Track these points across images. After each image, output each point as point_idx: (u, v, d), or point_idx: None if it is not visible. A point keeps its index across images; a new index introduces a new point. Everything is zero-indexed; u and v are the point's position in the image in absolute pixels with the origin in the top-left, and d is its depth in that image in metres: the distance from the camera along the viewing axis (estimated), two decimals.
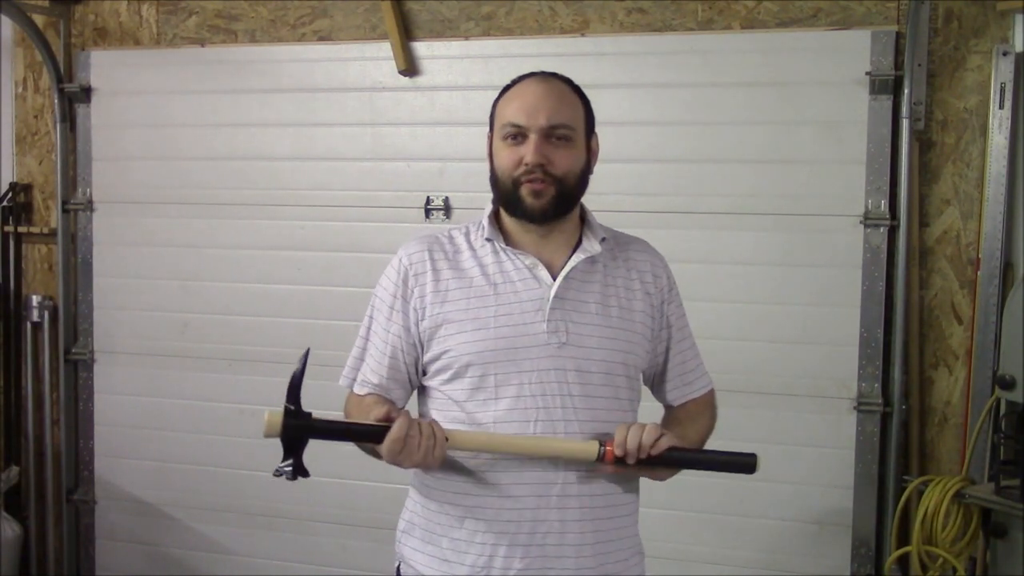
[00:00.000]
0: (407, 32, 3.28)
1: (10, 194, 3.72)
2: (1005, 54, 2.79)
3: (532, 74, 1.76)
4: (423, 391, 1.79)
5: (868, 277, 2.94)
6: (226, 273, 3.51)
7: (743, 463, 1.70)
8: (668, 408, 1.88)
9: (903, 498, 2.85)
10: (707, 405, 1.88)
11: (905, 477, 2.91)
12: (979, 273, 2.85)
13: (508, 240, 1.75)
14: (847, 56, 2.92)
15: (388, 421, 1.59)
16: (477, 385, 1.67)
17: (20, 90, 3.74)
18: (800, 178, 2.99)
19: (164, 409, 3.60)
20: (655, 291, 1.79)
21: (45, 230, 3.70)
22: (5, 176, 3.75)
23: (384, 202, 3.34)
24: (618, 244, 1.81)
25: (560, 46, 3.16)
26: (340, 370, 3.63)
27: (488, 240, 1.74)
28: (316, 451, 3.74)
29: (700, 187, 3.08)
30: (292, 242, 3.43)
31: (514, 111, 1.70)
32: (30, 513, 3.79)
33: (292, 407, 1.66)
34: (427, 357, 1.73)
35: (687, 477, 3.18)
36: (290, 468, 1.67)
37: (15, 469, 3.69)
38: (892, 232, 2.92)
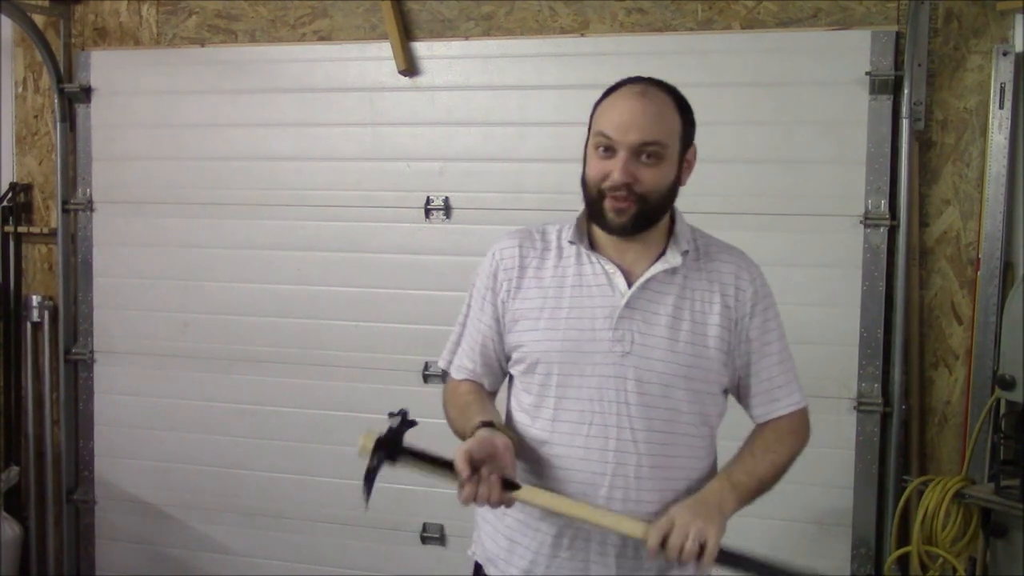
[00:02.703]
0: (407, 32, 3.28)
1: (10, 194, 3.72)
2: (1005, 54, 2.79)
3: (635, 81, 1.77)
4: (509, 378, 1.87)
5: (868, 277, 2.94)
6: (226, 273, 3.51)
7: None
8: (755, 423, 1.84)
9: (903, 498, 2.85)
10: (792, 430, 1.80)
11: (905, 477, 2.91)
12: (979, 273, 2.86)
13: (593, 244, 1.77)
14: (847, 56, 2.92)
15: (468, 457, 1.59)
16: (543, 382, 1.74)
17: (20, 90, 3.74)
18: (800, 178, 2.99)
19: (164, 409, 3.60)
20: (735, 304, 1.76)
21: (45, 230, 3.71)
22: (5, 176, 3.75)
23: (384, 202, 3.34)
24: (707, 253, 1.80)
25: (560, 46, 3.16)
26: (343, 370, 3.65)
27: (572, 243, 1.77)
28: (315, 451, 3.74)
29: (700, 187, 3.04)
30: (292, 242, 3.43)
31: (608, 122, 1.70)
32: (30, 513, 3.79)
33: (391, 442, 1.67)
34: (507, 348, 1.81)
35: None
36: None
37: (15, 469, 3.69)
38: (892, 232, 2.92)
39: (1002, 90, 2.80)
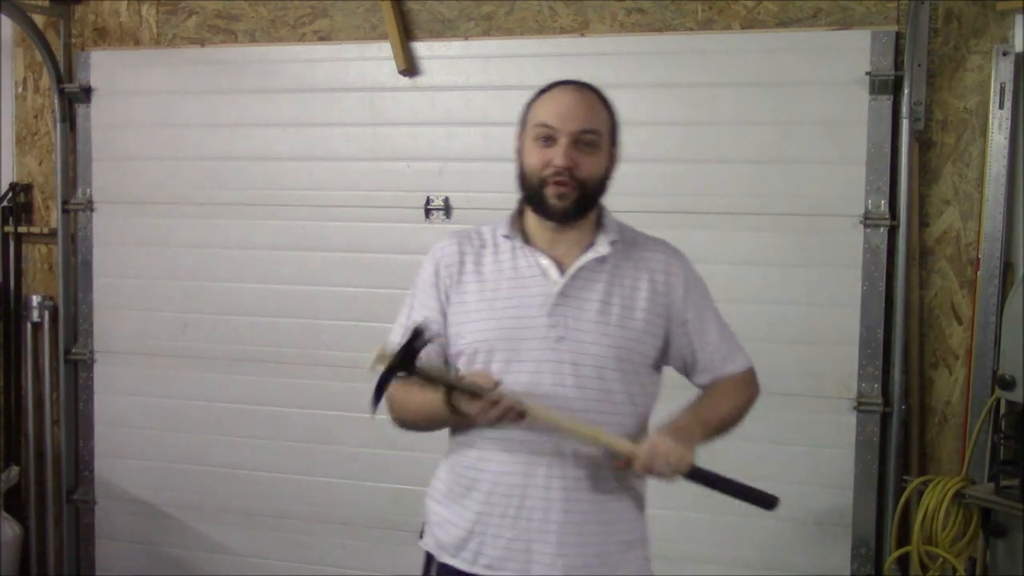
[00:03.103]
0: (407, 32, 3.28)
1: (10, 194, 3.72)
2: (1005, 54, 2.79)
3: (567, 81, 1.88)
4: None
5: (868, 277, 2.94)
6: (226, 273, 3.51)
7: (764, 499, 1.83)
8: (703, 388, 1.96)
9: (903, 498, 2.85)
10: (745, 382, 1.95)
11: (905, 477, 2.91)
12: (979, 273, 2.85)
13: (527, 239, 1.88)
14: (847, 56, 2.92)
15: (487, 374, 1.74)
16: (485, 370, 1.80)
17: (20, 90, 3.74)
18: (800, 178, 2.99)
19: (164, 409, 3.60)
20: (664, 289, 1.87)
21: (45, 230, 3.71)
22: (5, 176, 3.75)
23: (384, 202, 3.33)
24: (634, 243, 1.91)
25: (560, 46, 3.16)
26: (343, 370, 3.64)
27: (507, 237, 1.88)
28: (315, 451, 3.74)
29: (700, 187, 3.08)
30: (292, 242, 3.43)
31: (548, 113, 1.82)
32: (30, 513, 3.79)
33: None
34: (450, 342, 1.88)
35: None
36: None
37: (15, 469, 3.69)
38: (892, 232, 2.91)
39: (1002, 90, 2.80)
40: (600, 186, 1.85)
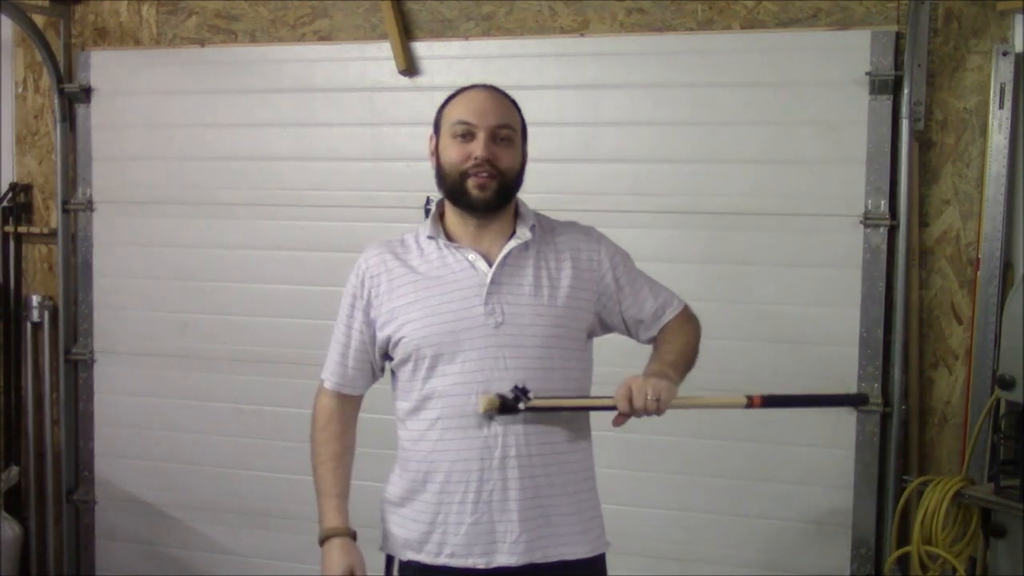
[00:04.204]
0: (407, 32, 3.28)
1: (10, 194, 3.72)
2: (1005, 54, 2.79)
3: (477, 85, 1.99)
4: (392, 376, 2.02)
5: (868, 277, 2.94)
6: (226, 273, 3.51)
7: (852, 399, 2.26)
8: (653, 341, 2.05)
9: (903, 498, 2.85)
10: (686, 318, 2.05)
11: (905, 477, 2.91)
12: (979, 273, 2.85)
13: (449, 237, 1.97)
14: (847, 56, 2.92)
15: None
16: (428, 365, 1.90)
17: (20, 90, 3.74)
18: (800, 178, 2.99)
19: (164, 409, 3.60)
20: (588, 266, 1.98)
21: (45, 230, 3.71)
22: (5, 176, 3.75)
23: (384, 202, 3.33)
24: (551, 229, 2.02)
25: (560, 46, 3.16)
26: None
27: (431, 238, 1.97)
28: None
29: (700, 187, 3.07)
30: (292, 242, 3.43)
31: (465, 111, 1.92)
32: (30, 513, 3.79)
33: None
34: (387, 346, 1.97)
35: (688, 478, 3.19)
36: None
37: (15, 469, 3.69)
38: (892, 232, 2.91)
39: (1002, 90, 2.80)
40: (517, 179, 1.95)
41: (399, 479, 1.99)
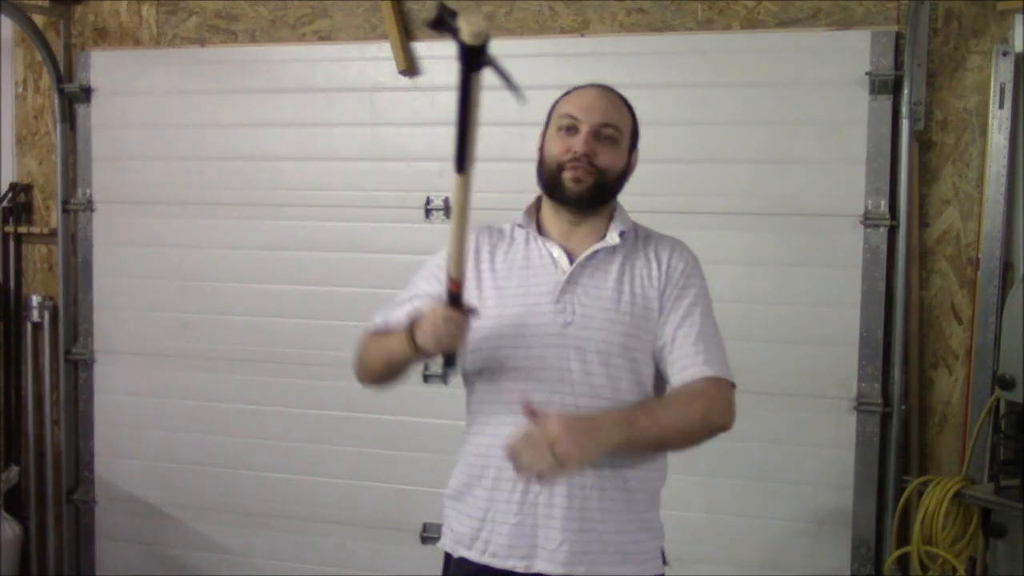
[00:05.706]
0: (407, 32, 3.28)
1: (10, 194, 3.72)
2: (1005, 54, 2.79)
3: (595, 84, 1.96)
4: (463, 373, 1.97)
5: (868, 277, 2.94)
6: (226, 273, 3.51)
7: None
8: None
9: (903, 498, 2.85)
10: (704, 393, 1.78)
11: (905, 477, 2.91)
12: (979, 273, 2.86)
13: (541, 230, 1.94)
14: (847, 56, 2.92)
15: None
16: (493, 356, 1.86)
17: (20, 90, 3.74)
18: (800, 178, 2.99)
19: (164, 409, 3.60)
20: (659, 275, 1.89)
21: (45, 230, 3.71)
22: (5, 176, 3.75)
23: (384, 202, 3.34)
24: (647, 238, 1.96)
25: (560, 46, 3.17)
26: (344, 370, 3.62)
27: (522, 227, 1.95)
28: (315, 451, 3.75)
29: (700, 187, 3.08)
30: (292, 242, 3.43)
31: (572, 106, 1.90)
32: (30, 513, 3.79)
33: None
34: None
35: (688, 477, 3.19)
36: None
37: (15, 469, 3.69)
38: (892, 232, 2.92)
39: (1002, 90, 2.80)
40: (616, 180, 1.91)
41: (459, 472, 1.95)
